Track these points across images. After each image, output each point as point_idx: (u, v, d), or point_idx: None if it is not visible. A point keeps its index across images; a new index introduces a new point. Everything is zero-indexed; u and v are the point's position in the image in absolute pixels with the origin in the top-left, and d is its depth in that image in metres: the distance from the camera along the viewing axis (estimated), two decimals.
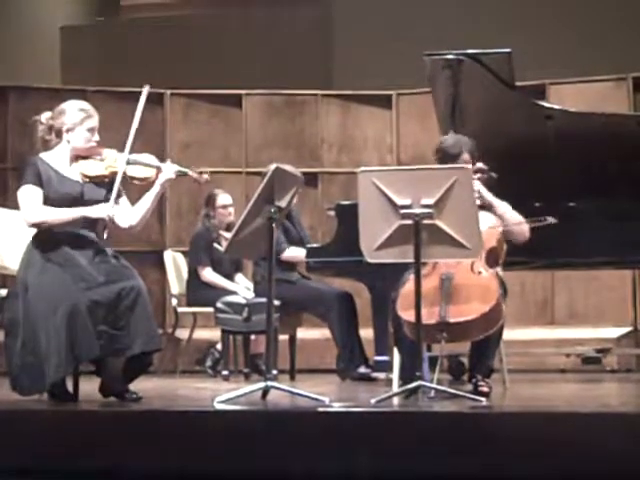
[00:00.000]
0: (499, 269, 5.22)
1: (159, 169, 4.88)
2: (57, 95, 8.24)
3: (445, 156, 5.19)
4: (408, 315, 4.71)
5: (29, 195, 4.74)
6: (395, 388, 5.06)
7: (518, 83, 6.21)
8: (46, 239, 4.74)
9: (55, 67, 10.37)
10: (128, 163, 4.84)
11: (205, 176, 5.05)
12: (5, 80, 8.70)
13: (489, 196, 5.16)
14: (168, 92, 8.69)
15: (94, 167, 4.83)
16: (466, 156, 5.22)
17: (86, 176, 4.82)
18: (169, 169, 4.88)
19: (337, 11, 9.88)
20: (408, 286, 4.84)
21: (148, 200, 4.88)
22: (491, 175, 5.25)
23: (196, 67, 9.75)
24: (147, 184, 4.90)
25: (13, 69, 9.50)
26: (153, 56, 9.93)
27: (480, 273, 4.90)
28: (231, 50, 10.02)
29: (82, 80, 8.95)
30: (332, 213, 6.56)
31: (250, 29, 10.06)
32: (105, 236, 4.79)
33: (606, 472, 3.74)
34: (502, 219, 5.21)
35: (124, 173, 4.82)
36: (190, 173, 4.98)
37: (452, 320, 4.64)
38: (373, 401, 4.47)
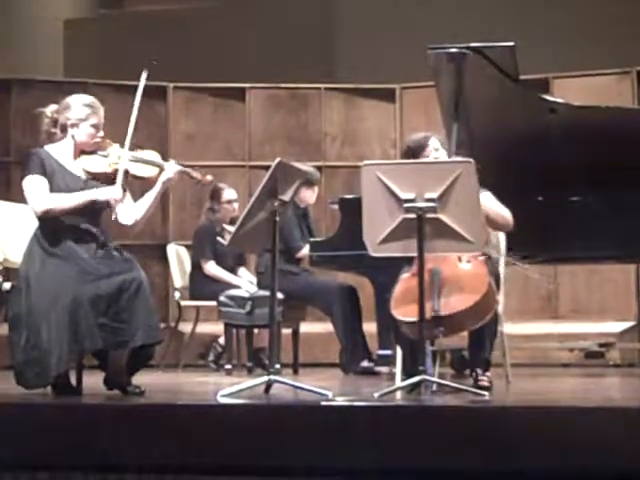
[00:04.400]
0: (500, 256, 5.22)
1: (162, 168, 4.87)
2: (60, 88, 8.23)
3: (412, 156, 5.18)
4: (402, 314, 4.70)
5: (34, 184, 4.74)
6: (398, 382, 5.06)
7: (522, 77, 6.20)
8: (48, 233, 4.74)
9: (58, 60, 10.36)
10: (131, 160, 4.83)
11: (208, 177, 5.07)
12: (8, 73, 8.70)
13: None
14: (171, 85, 8.68)
15: (97, 163, 4.82)
16: (435, 143, 5.23)
17: (89, 172, 4.81)
18: (171, 169, 4.86)
19: (340, 4, 9.87)
20: (400, 286, 4.85)
21: (149, 199, 4.87)
22: None
23: (199, 60, 9.73)
24: (149, 183, 4.90)
25: (16, 62, 9.49)
26: (156, 49, 9.90)
27: (467, 263, 4.90)
28: (234, 43, 10.00)
29: (85, 73, 8.94)
30: (335, 207, 6.56)
31: (253, 22, 10.04)
32: (113, 217, 4.77)
33: (608, 467, 3.74)
34: (486, 213, 5.21)
35: (127, 171, 4.80)
36: (193, 174, 4.97)
37: (446, 313, 4.63)
38: (376, 395, 4.47)
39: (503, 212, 5.26)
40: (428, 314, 4.61)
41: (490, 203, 5.25)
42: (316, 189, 7.07)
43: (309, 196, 7.02)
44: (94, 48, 10.37)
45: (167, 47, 9.81)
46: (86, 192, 4.75)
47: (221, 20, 10.16)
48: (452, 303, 4.67)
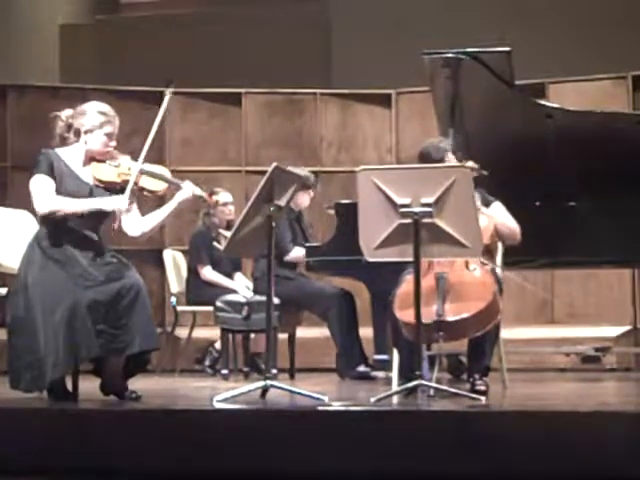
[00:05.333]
0: (497, 267, 5.22)
1: (176, 186, 4.88)
2: (56, 93, 8.26)
3: (430, 162, 5.17)
4: (405, 316, 4.71)
5: (41, 184, 4.72)
6: (394, 387, 5.05)
7: (518, 82, 6.21)
8: (49, 236, 4.73)
9: (54, 65, 10.36)
10: (141, 173, 4.83)
11: (215, 197, 5.14)
12: (4, 78, 8.70)
13: (483, 209, 5.14)
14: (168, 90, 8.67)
15: (107, 172, 4.82)
16: (450, 157, 5.23)
17: (98, 180, 4.81)
18: (188, 190, 4.87)
19: (336, 9, 9.88)
20: (404, 287, 4.84)
21: (162, 215, 4.89)
22: (482, 173, 5.26)
23: (195, 66, 9.73)
24: (155, 197, 4.91)
25: (12, 67, 9.49)
26: (152, 55, 9.91)
27: (474, 270, 4.91)
28: (230, 49, 10.01)
29: (81, 78, 8.95)
30: (331, 212, 6.56)
31: (249, 28, 10.05)
32: (116, 226, 4.77)
33: (605, 471, 3.74)
34: (496, 226, 5.22)
35: (135, 183, 4.81)
36: (206, 198, 5.04)
37: (449, 319, 4.65)
38: (372, 400, 4.47)
39: (512, 224, 5.27)
40: (431, 318, 4.62)
41: (500, 214, 5.26)
42: (311, 192, 7.05)
43: (304, 200, 7.01)
44: (90, 54, 10.38)
45: (163, 52, 9.83)
46: (92, 200, 4.75)
47: (217, 25, 10.17)
48: (456, 309, 4.68)
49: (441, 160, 5.21)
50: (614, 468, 3.73)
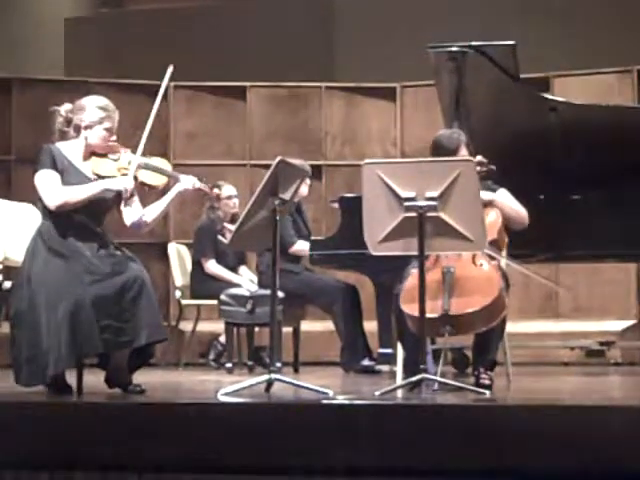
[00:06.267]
0: (502, 261, 5.22)
1: (176, 179, 4.89)
2: (61, 87, 8.26)
3: (442, 152, 5.16)
4: (411, 309, 4.70)
5: (47, 179, 4.72)
6: (399, 381, 5.06)
7: (522, 75, 6.20)
8: (52, 230, 4.73)
9: (59, 59, 10.36)
10: (141, 167, 4.82)
11: (216, 190, 5.15)
12: (9, 72, 8.70)
13: (485, 195, 5.13)
14: (172, 84, 8.68)
15: (106, 166, 4.82)
16: (464, 151, 5.22)
17: (97, 174, 4.81)
18: (189, 182, 4.89)
19: (340, 2, 9.87)
20: (411, 280, 4.84)
21: (161, 205, 4.90)
22: (490, 167, 5.25)
23: (200, 59, 9.73)
24: (156, 191, 4.91)
25: (17, 61, 9.49)
26: (157, 48, 9.91)
27: (482, 265, 4.90)
28: (234, 42, 10.00)
29: (85, 72, 8.95)
30: (336, 206, 6.56)
31: (253, 21, 10.04)
32: (123, 206, 4.77)
33: (609, 465, 3.74)
34: (502, 210, 5.22)
35: (135, 177, 4.80)
36: (207, 192, 5.03)
37: (455, 313, 4.64)
38: (377, 393, 4.47)
39: (519, 209, 5.27)
40: (437, 312, 4.62)
41: (507, 200, 5.27)
42: (308, 181, 6.99)
43: (302, 190, 6.97)
44: (94, 47, 10.37)
45: (167, 46, 9.82)
46: (99, 182, 4.75)
47: (221, 18, 10.16)
48: (462, 304, 4.67)
49: (454, 150, 5.18)
50: (618, 462, 3.73)
